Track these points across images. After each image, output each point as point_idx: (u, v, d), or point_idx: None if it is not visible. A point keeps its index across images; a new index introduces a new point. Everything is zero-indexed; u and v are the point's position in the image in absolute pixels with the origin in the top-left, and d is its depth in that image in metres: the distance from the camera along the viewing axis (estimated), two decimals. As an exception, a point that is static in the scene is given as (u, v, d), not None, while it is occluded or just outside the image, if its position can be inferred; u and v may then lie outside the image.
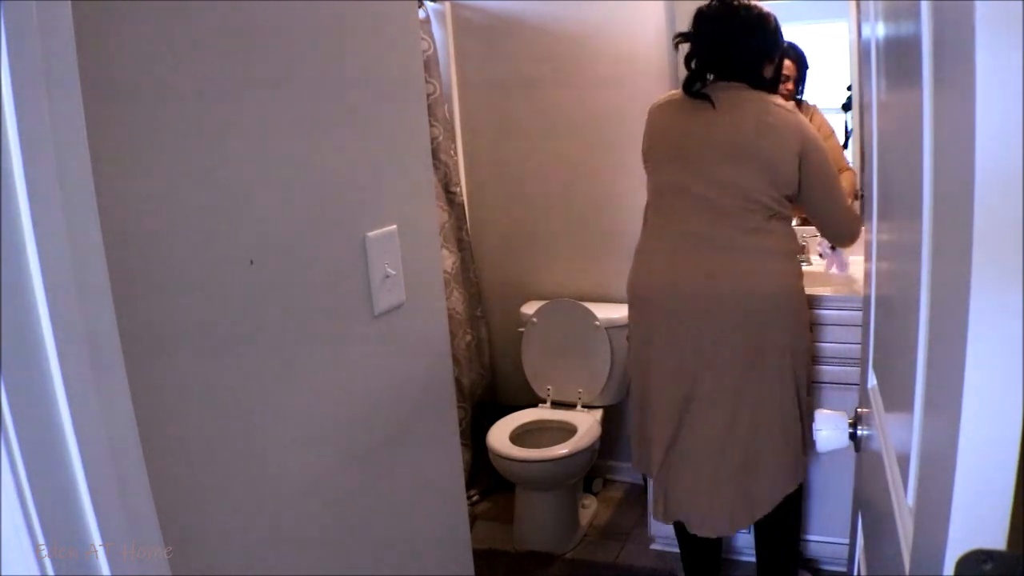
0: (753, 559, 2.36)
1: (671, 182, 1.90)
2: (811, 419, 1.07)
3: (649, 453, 2.00)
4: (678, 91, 1.97)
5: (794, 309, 1.87)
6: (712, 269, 1.83)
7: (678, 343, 1.87)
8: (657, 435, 1.95)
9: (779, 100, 1.88)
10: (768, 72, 1.92)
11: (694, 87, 1.88)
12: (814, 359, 2.03)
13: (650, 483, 2.41)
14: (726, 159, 1.83)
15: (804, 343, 1.93)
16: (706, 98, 1.85)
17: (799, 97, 2.15)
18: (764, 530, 2.13)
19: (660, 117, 1.97)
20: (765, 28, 1.88)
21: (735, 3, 1.87)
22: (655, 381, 1.93)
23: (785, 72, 2.08)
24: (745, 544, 2.38)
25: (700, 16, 1.89)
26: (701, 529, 1.95)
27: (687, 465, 1.92)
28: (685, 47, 1.93)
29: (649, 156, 1.97)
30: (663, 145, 1.93)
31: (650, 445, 1.98)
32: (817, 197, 1.88)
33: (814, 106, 2.15)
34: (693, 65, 1.89)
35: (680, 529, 2.14)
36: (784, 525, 2.12)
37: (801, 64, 2.19)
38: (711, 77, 1.90)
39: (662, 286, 1.89)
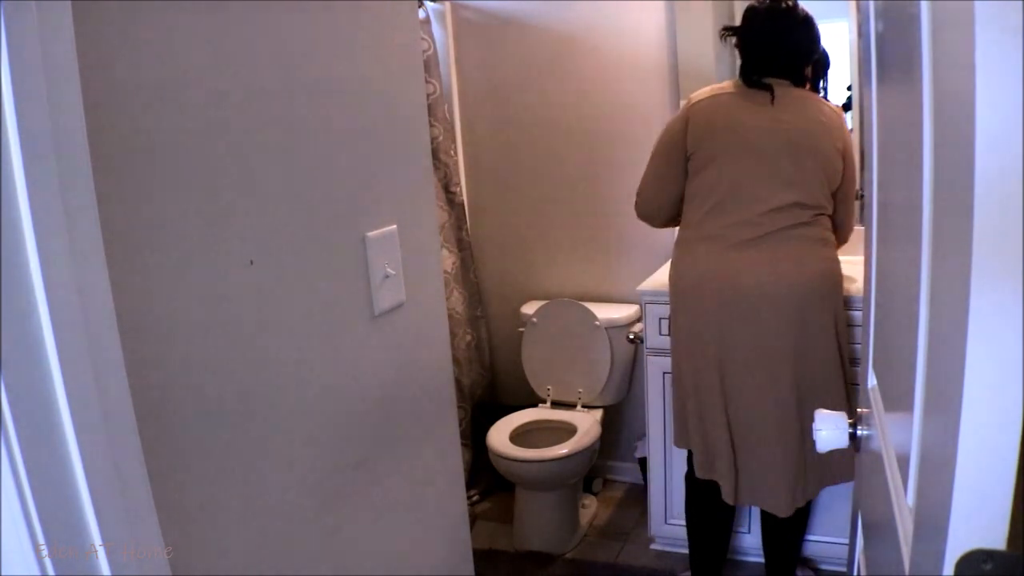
0: (755, 559, 2.37)
1: (730, 176, 1.90)
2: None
3: (715, 450, 1.98)
4: (726, 83, 2.00)
5: (839, 292, 1.95)
6: (767, 260, 1.87)
7: (737, 334, 1.89)
8: (719, 428, 1.94)
9: (824, 100, 1.98)
10: (808, 72, 1.99)
11: (753, 77, 1.93)
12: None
13: (651, 484, 2.43)
14: (791, 157, 1.88)
15: (845, 320, 2.00)
16: (767, 88, 1.90)
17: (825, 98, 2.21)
18: (775, 532, 2.14)
19: (716, 110, 1.95)
20: (811, 28, 1.95)
21: (786, 3, 1.93)
22: (706, 376, 1.93)
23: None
24: (750, 545, 2.38)
25: (754, 12, 1.95)
26: (778, 509, 1.95)
27: (757, 456, 1.93)
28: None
29: (703, 150, 1.94)
30: (721, 139, 1.92)
31: (716, 441, 1.97)
32: (842, 196, 1.97)
33: (839, 107, 2.18)
34: (747, 58, 1.95)
35: (693, 528, 2.14)
36: (797, 527, 2.12)
37: (825, 66, 2.22)
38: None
39: (717, 279, 1.90)
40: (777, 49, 1.93)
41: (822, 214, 1.92)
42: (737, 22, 2.03)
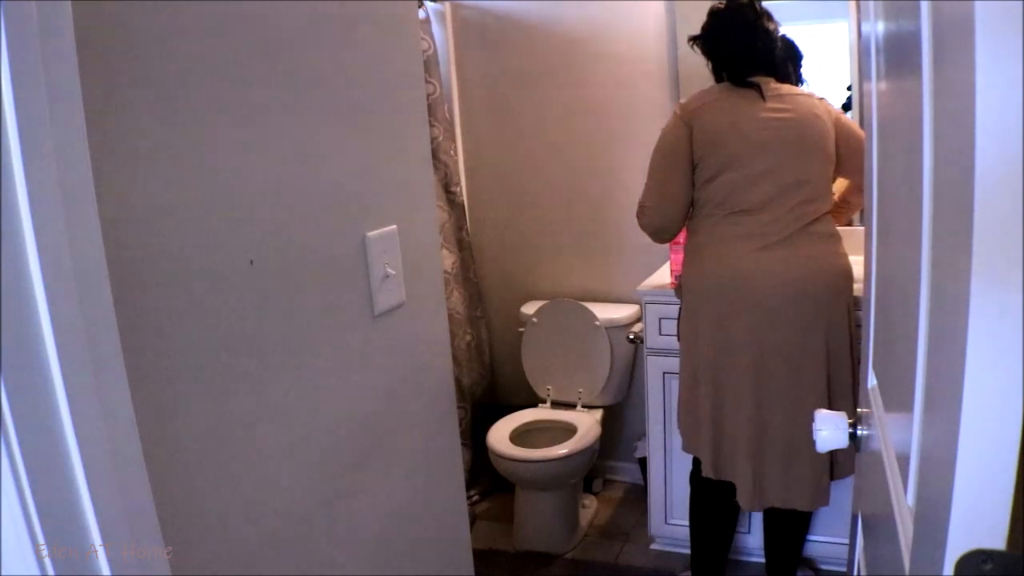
0: (757, 560, 2.37)
1: (745, 180, 1.89)
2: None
3: (732, 452, 1.98)
4: (712, 88, 1.97)
5: (852, 287, 1.97)
6: (793, 260, 1.88)
7: (773, 336, 1.89)
8: (743, 431, 1.94)
9: (809, 92, 1.99)
10: (788, 67, 2.00)
11: (739, 78, 1.92)
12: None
13: (651, 484, 2.42)
14: (796, 153, 1.89)
15: (855, 317, 2.00)
16: (756, 87, 1.90)
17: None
18: (778, 533, 2.13)
19: (717, 116, 1.92)
20: (772, 18, 1.95)
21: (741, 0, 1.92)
22: (733, 377, 1.92)
23: None
24: (751, 545, 2.38)
25: (718, 13, 1.94)
26: (811, 505, 1.96)
27: (786, 454, 1.93)
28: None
29: (712, 157, 1.91)
30: (730, 145, 1.90)
31: (734, 442, 1.97)
32: (849, 167, 1.98)
33: (823, 99, 2.17)
34: (721, 62, 1.95)
35: (697, 529, 2.13)
36: (800, 527, 2.12)
37: (798, 58, 2.21)
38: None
39: (750, 281, 1.89)
40: (751, 45, 1.92)
41: (827, 210, 1.94)
42: None
